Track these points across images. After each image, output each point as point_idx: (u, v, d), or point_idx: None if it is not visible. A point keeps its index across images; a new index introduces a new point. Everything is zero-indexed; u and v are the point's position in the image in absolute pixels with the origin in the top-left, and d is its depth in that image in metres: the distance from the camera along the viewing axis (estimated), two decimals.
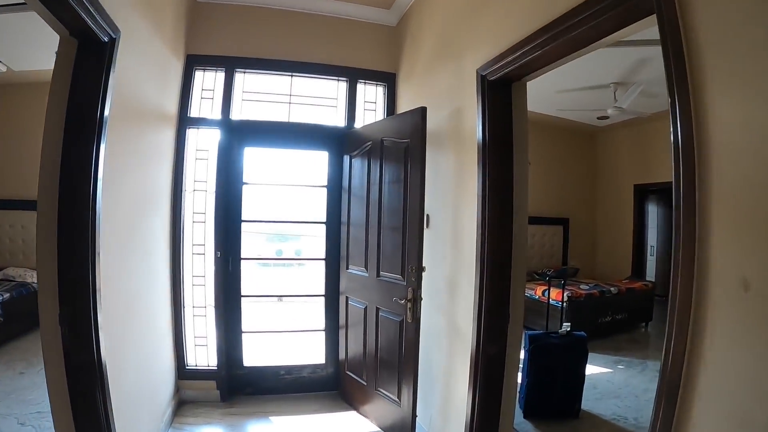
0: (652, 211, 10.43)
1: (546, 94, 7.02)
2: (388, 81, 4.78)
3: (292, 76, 4.64)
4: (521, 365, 4.00)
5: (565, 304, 6.32)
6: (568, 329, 4.14)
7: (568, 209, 9.65)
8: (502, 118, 3.04)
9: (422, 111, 3.48)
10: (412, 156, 3.56)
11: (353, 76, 4.72)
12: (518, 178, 3.06)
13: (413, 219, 3.48)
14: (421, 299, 3.44)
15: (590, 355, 5.89)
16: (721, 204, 1.42)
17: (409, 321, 3.48)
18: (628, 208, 9.52)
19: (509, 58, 2.69)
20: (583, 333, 4.22)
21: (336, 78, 4.72)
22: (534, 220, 8.83)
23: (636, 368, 5.61)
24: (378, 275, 3.93)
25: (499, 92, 3.03)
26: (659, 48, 1.63)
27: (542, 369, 4.11)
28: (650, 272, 10.26)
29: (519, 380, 3.55)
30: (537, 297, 6.82)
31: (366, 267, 4.11)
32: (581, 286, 7.10)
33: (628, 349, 6.38)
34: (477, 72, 3.06)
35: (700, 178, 1.45)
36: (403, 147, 3.67)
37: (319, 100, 4.74)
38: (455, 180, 3.51)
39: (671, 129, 1.53)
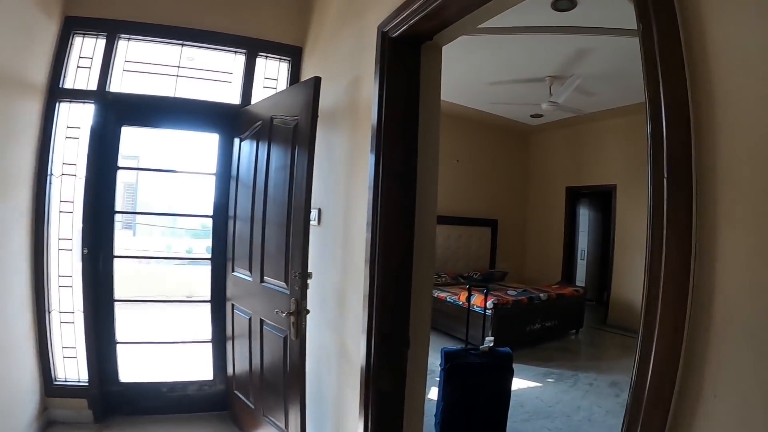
0: (584, 215, 10.27)
1: (478, 86, 6.57)
2: (293, 56, 4.10)
3: (182, 45, 3.89)
4: (437, 386, 3.45)
5: (490, 311, 5.82)
6: (491, 344, 3.58)
7: (497, 210, 9.31)
8: (407, 89, 2.43)
9: (315, 81, 2.83)
10: (301, 136, 2.90)
11: (253, 48, 4.02)
12: (425, 166, 2.47)
13: (298, 214, 2.82)
14: (308, 312, 2.77)
15: (518, 367, 5.40)
16: (734, 185, 0.92)
17: (293, 338, 2.80)
18: (559, 210, 9.29)
19: (415, 5, 2.07)
20: (508, 349, 3.66)
21: (233, 50, 4.01)
22: (461, 221, 8.44)
23: (567, 381, 5.16)
24: (262, 281, 3.25)
25: (405, 55, 2.42)
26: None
27: (461, 391, 3.52)
28: (580, 277, 10.10)
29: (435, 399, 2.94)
30: (461, 303, 6.29)
31: (250, 270, 3.42)
32: (509, 292, 6.65)
33: (559, 359, 5.95)
34: (378, 29, 2.43)
35: (701, 141, 0.95)
36: (292, 126, 3.01)
37: (212, 74, 4.02)
38: (348, 166, 2.91)
39: (643, 59, 1.03)
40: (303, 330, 2.78)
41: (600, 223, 10.26)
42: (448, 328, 6.59)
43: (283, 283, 2.98)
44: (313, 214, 3.20)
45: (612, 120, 8.18)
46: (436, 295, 6.85)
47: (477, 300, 5.98)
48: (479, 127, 8.96)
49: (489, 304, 5.83)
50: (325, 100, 2.94)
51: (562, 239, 9.25)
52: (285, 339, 2.96)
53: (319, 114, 2.85)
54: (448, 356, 3.53)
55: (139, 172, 10.25)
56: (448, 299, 6.59)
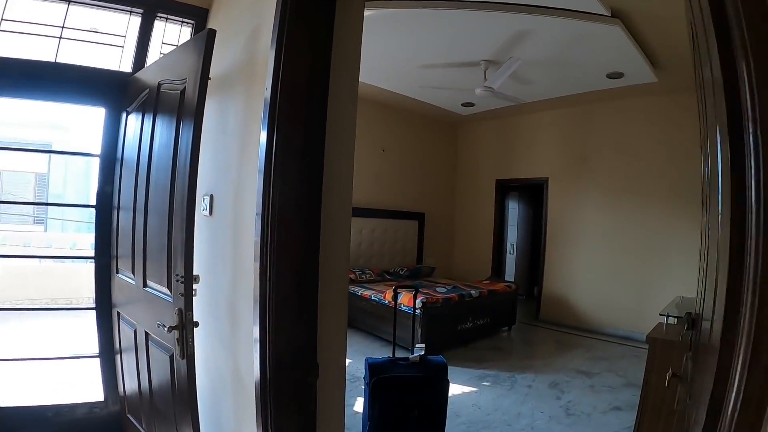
0: (513, 208, 10.07)
1: (407, 68, 6.07)
2: (198, 18, 3.38)
3: (69, 2, 3.13)
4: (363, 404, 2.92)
5: (418, 311, 5.38)
6: (422, 353, 3.09)
7: (424, 203, 8.89)
8: (317, 43, 1.83)
9: (206, 35, 2.19)
10: (187, 104, 2.26)
11: (151, 7, 3.27)
12: (337, 143, 1.89)
13: (180, 201, 2.19)
14: (196, 325, 2.16)
15: (451, 370, 4.94)
16: None
17: (180, 358, 2.19)
18: (488, 204, 9.02)
19: None
20: (441, 358, 3.19)
21: (128, 9, 3.27)
22: (387, 214, 7.97)
23: (504, 384, 4.76)
24: (145, 285, 2.58)
25: (314, 5, 1.83)
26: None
27: (389, 409, 2.99)
28: (510, 271, 9.91)
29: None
30: (387, 302, 5.80)
31: (133, 272, 2.74)
32: (438, 289, 6.21)
33: (493, 359, 5.57)
34: None
35: None
36: (178, 92, 2.37)
37: (102, 38, 3.26)
38: (241, 142, 2.30)
39: None
40: (190, 348, 2.15)
41: (530, 216, 10.11)
42: (373, 329, 6.09)
43: (166, 289, 2.34)
44: (204, 202, 2.58)
45: (545, 112, 7.95)
46: (360, 294, 6.34)
47: (405, 299, 5.51)
48: (408, 116, 8.49)
49: (418, 303, 5.37)
50: (222, 62, 2.35)
51: (491, 233, 8.96)
52: (172, 358, 2.34)
53: (212, 77, 2.24)
54: (373, 369, 3.00)
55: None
56: (374, 298, 6.09)
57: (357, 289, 6.49)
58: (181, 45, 2.89)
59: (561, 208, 7.79)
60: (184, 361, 2.17)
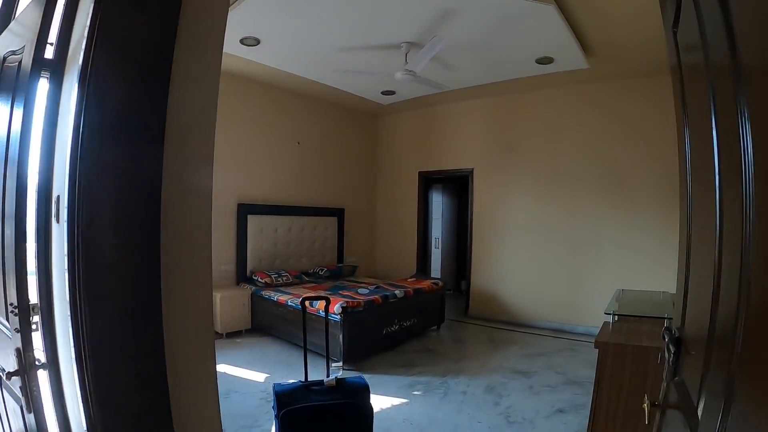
0: (437, 201, 9.70)
1: (324, 52, 5.46)
2: None
3: None
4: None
5: (338, 316, 4.81)
6: (338, 376, 2.52)
7: (344, 198, 8.33)
8: None
9: None
10: (23, 72, 1.64)
11: None
12: (188, 110, 1.31)
13: (10, 202, 1.59)
14: (40, 368, 1.50)
15: (378, 379, 4.55)
16: None
17: (27, 412, 1.55)
18: (411, 197, 8.59)
19: None
20: (361, 379, 2.63)
21: None
22: (304, 211, 7.39)
23: (437, 392, 4.28)
24: None
25: None
26: None
27: None
28: (435, 266, 9.55)
29: None
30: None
31: None
32: (360, 291, 5.66)
33: (423, 363, 5.09)
34: None
35: None
36: (18, 58, 1.72)
37: None
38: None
39: None
40: (36, 400, 1.52)
41: (455, 209, 9.78)
42: (292, 337, 5.46)
43: (5, 321, 1.69)
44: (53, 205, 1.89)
45: (470, 101, 7.61)
46: (276, 299, 5.70)
47: (322, 304, 4.94)
48: (325, 106, 7.90)
49: (337, 308, 4.80)
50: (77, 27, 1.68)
51: (415, 228, 8.53)
52: (22, 411, 1.68)
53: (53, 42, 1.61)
54: (281, 399, 2.40)
55: None
56: (290, 303, 5.45)
57: (272, 293, 5.85)
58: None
59: (487, 199, 7.47)
60: (32, 415, 1.52)
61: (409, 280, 6.67)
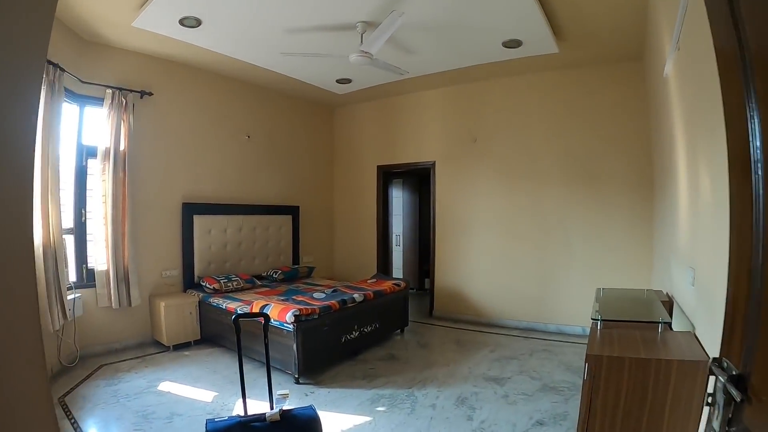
0: (397, 197, 9.32)
1: (272, 33, 4.96)
2: None
3: None
4: None
5: (291, 326, 4.34)
6: (283, 408, 2.06)
7: (298, 195, 7.82)
8: None
9: None
10: None
11: None
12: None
13: None
14: None
15: (337, 394, 4.18)
16: None
17: None
18: (370, 193, 8.16)
19: None
20: (311, 409, 2.19)
21: None
22: (255, 210, 6.87)
23: (403, 407, 3.85)
24: None
25: None
26: None
27: None
28: (397, 264, 9.19)
29: None
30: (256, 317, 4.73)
31: None
32: (315, 295, 5.17)
33: (386, 373, 4.65)
34: None
35: None
36: None
37: None
38: None
39: None
40: None
41: (416, 205, 9.39)
42: (243, 349, 4.93)
43: None
44: None
45: (430, 91, 7.26)
46: (224, 307, 5.20)
47: (274, 312, 4.46)
48: (276, 97, 7.37)
49: (289, 316, 4.32)
50: None
51: (375, 225, 8.10)
52: None
53: None
54: None
55: None
56: (240, 310, 4.95)
57: (221, 301, 5.33)
58: None
59: (450, 194, 7.09)
60: None
61: (368, 281, 6.21)
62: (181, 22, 4.64)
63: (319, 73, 6.43)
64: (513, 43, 5.14)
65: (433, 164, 7.27)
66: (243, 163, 6.85)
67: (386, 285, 5.87)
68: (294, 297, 5.15)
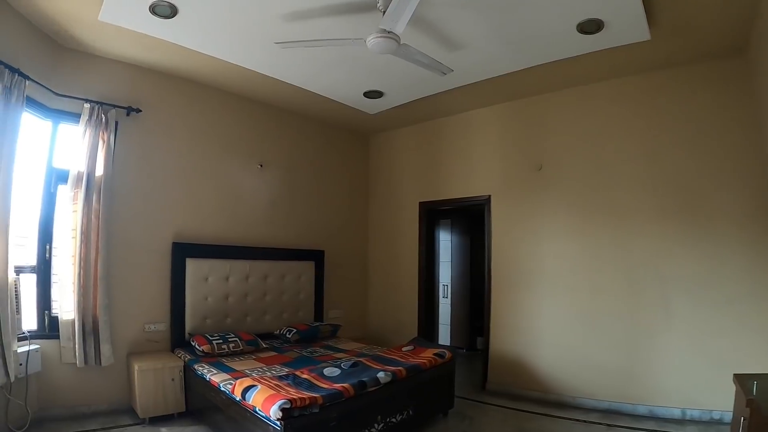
0: (445, 239, 7.98)
1: (266, 21, 3.83)
2: None
3: None
4: None
5: (278, 423, 2.93)
6: None
7: (323, 237, 6.57)
8: None
9: None
10: None
11: None
12: None
13: None
14: None
15: None
16: None
17: None
18: (412, 234, 6.82)
19: None
20: None
21: None
22: (270, 254, 5.66)
23: None
24: None
25: None
26: None
27: None
28: (444, 320, 7.75)
29: None
30: (237, 398, 3.36)
31: None
32: (326, 372, 3.74)
33: None
34: None
35: None
36: None
37: None
38: None
39: None
40: None
41: (468, 249, 7.98)
42: None
43: None
44: None
45: (479, 110, 6.10)
46: (208, 379, 3.90)
47: (258, 399, 3.11)
48: (296, 120, 6.31)
49: (274, 411, 2.92)
50: None
51: (416, 274, 6.73)
52: None
53: None
54: None
55: None
56: (223, 388, 3.63)
57: (207, 369, 4.08)
58: None
59: (509, 235, 5.71)
60: None
61: (404, 349, 4.76)
62: (153, 9, 3.62)
63: (338, 82, 5.16)
64: (592, 26, 3.77)
65: (488, 199, 5.91)
66: (253, 198, 5.75)
67: (426, 357, 4.39)
68: (299, 371, 3.79)
